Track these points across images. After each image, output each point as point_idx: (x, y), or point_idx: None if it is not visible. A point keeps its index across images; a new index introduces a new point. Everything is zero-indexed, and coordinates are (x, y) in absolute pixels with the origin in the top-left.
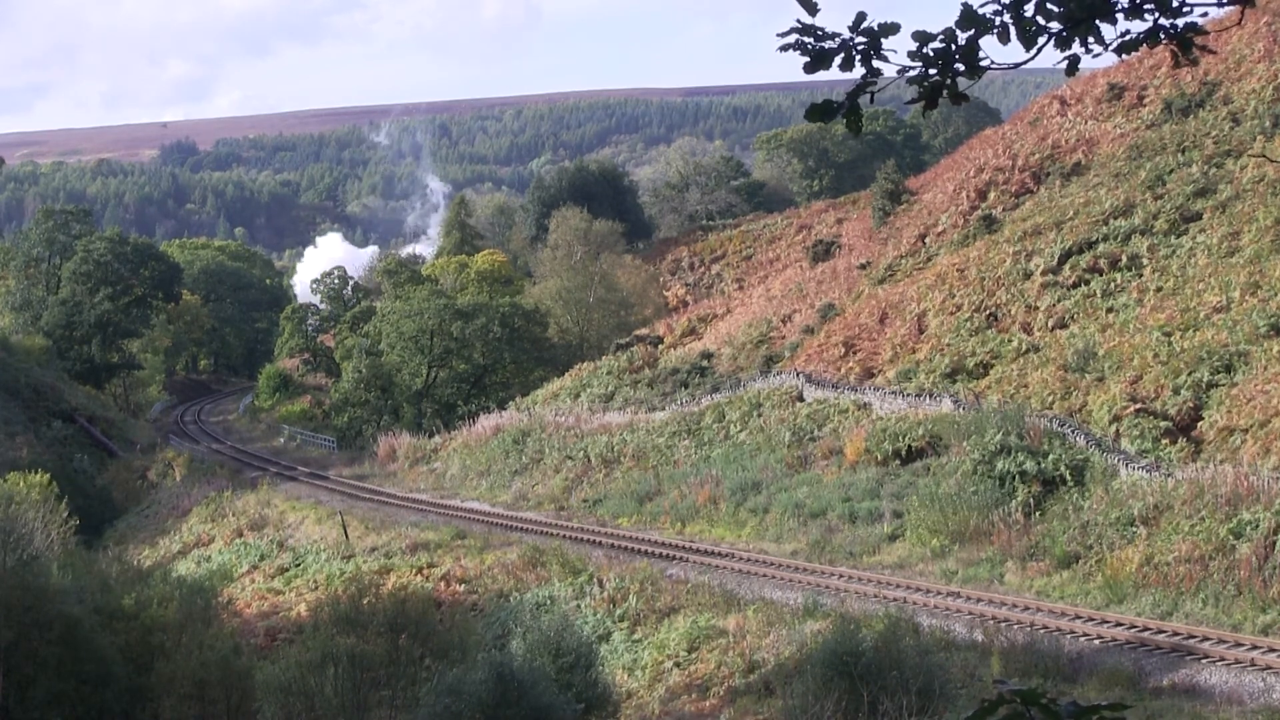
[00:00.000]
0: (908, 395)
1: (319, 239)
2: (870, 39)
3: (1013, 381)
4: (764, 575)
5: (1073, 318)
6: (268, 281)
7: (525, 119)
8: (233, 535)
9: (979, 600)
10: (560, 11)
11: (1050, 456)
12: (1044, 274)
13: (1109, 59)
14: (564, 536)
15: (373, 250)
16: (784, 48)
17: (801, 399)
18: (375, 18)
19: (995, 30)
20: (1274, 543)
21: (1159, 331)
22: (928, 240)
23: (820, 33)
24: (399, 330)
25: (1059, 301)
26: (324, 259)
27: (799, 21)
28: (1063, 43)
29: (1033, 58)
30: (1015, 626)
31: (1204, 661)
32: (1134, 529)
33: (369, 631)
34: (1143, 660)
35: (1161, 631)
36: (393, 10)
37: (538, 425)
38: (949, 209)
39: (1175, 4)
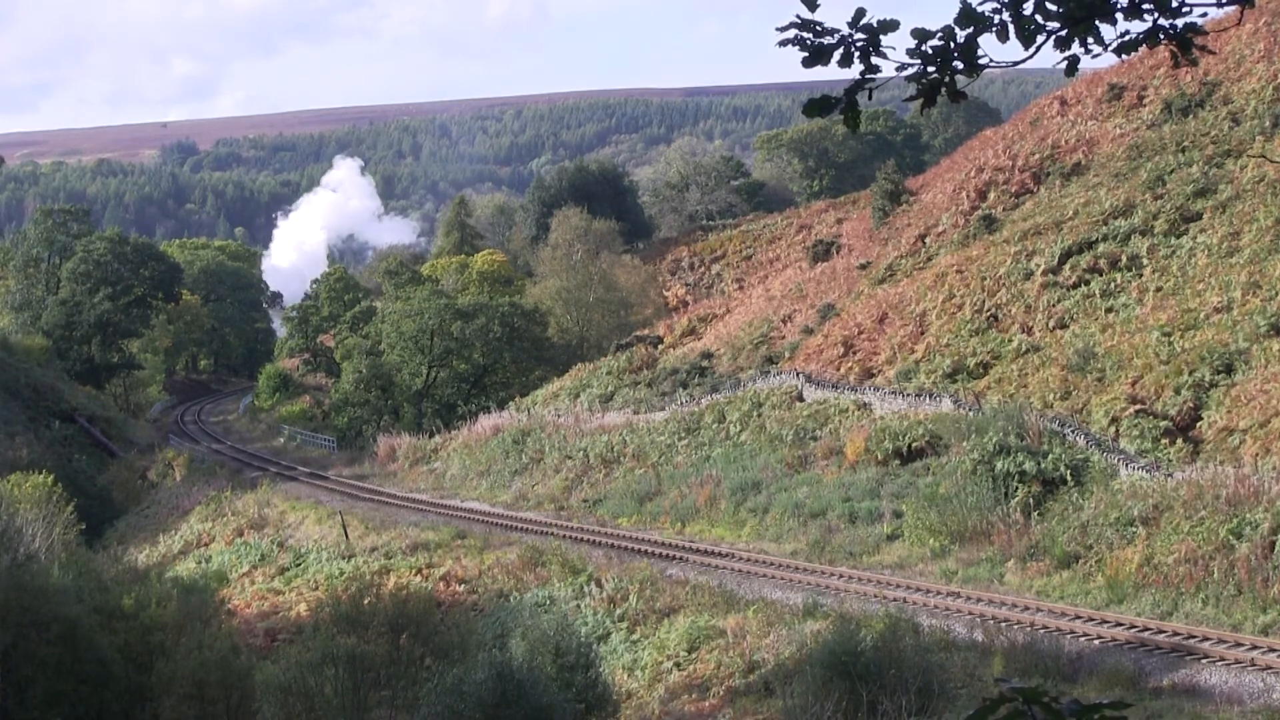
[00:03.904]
0: (908, 395)
1: (330, 171)
2: (869, 35)
3: (1013, 381)
4: (764, 575)
5: (1073, 318)
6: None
7: (525, 119)
8: (233, 535)
9: (979, 600)
10: (566, 9)
11: (1050, 456)
12: (1044, 274)
13: (1109, 59)
14: (564, 536)
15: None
16: (783, 42)
17: (801, 399)
18: (383, 15)
19: (994, 28)
20: (1274, 543)
21: (1159, 331)
22: (928, 240)
23: (819, 28)
24: (399, 330)
25: (1059, 301)
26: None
27: (799, 16)
28: (1062, 43)
29: (1031, 56)
30: (1015, 626)
31: (1204, 661)
32: (1134, 529)
33: (369, 631)
34: (1143, 660)
35: (1161, 631)
36: (401, 8)
37: (537, 425)
38: (949, 209)
39: (1175, 4)
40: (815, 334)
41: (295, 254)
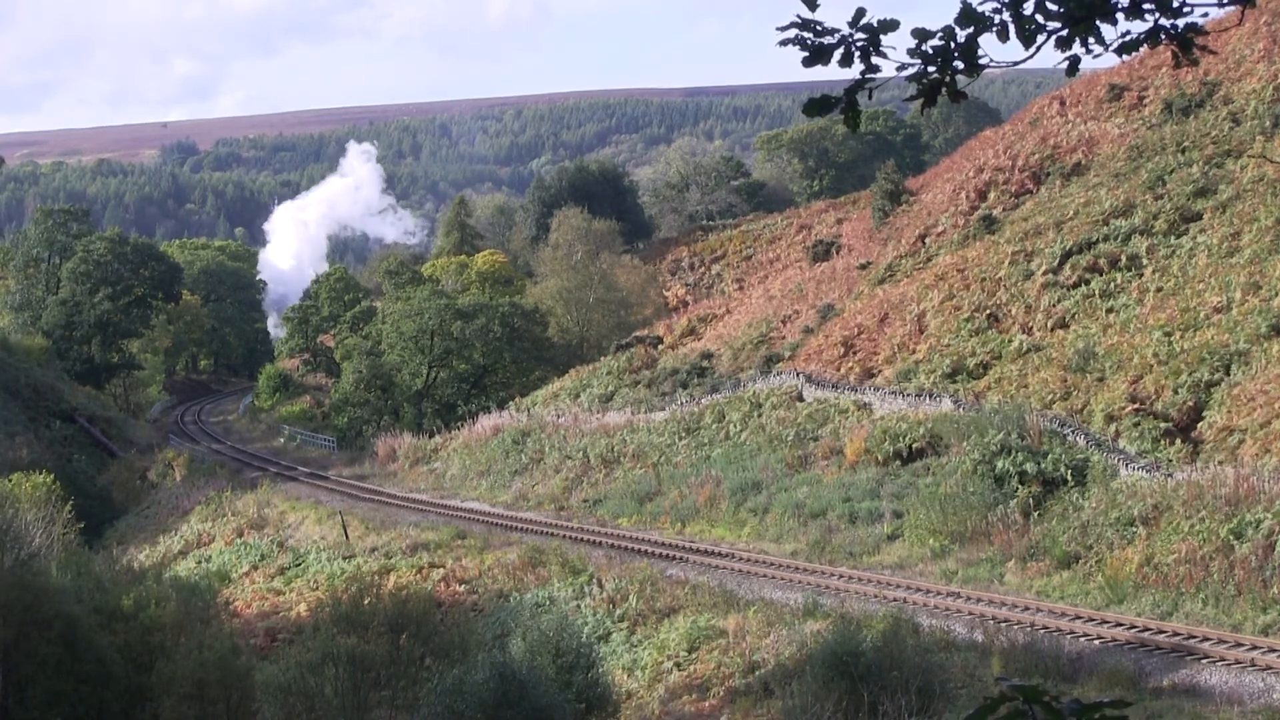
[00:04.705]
0: (908, 395)
1: (343, 159)
2: (869, 35)
3: (1013, 381)
4: (764, 575)
5: (1073, 318)
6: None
7: (525, 119)
8: (233, 535)
9: (979, 600)
10: (567, 9)
11: (1050, 456)
12: (1044, 274)
13: (1110, 59)
14: (564, 536)
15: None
16: (784, 42)
17: (801, 399)
18: (384, 15)
19: (994, 28)
20: (1274, 543)
21: (1159, 331)
22: (928, 240)
23: (820, 28)
24: (399, 330)
25: (1059, 301)
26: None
27: (799, 16)
28: (1063, 43)
29: (1032, 56)
30: (1015, 626)
31: (1204, 662)
32: (1134, 529)
33: (369, 631)
34: (1143, 660)
35: (1161, 632)
36: (402, 8)
37: (537, 425)
38: (949, 209)
39: (1175, 4)
40: (815, 334)
41: (295, 236)
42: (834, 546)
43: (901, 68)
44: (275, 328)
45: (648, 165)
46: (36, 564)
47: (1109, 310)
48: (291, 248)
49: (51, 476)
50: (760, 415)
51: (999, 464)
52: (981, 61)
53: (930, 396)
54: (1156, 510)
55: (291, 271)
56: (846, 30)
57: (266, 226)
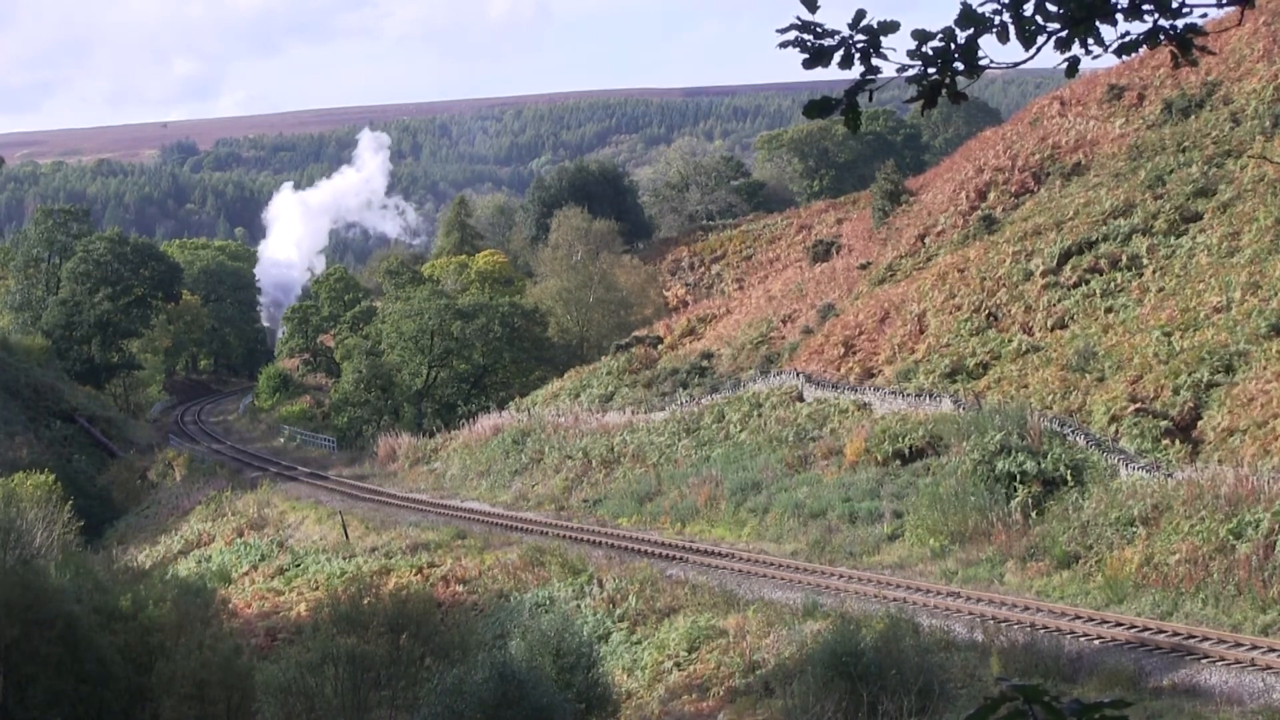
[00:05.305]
0: (908, 395)
1: (355, 153)
2: (869, 37)
3: (1013, 381)
4: (764, 575)
5: (1073, 318)
6: None
7: (525, 119)
8: (233, 535)
9: (979, 600)
10: (567, 9)
11: (1050, 456)
12: (1044, 274)
13: (1110, 59)
14: (564, 536)
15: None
16: (784, 44)
17: (801, 399)
18: (385, 14)
19: (994, 29)
20: (1274, 543)
21: (1159, 331)
22: (927, 240)
23: (820, 29)
24: (399, 330)
25: (1059, 301)
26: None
27: (799, 18)
28: (1062, 44)
29: (1032, 57)
30: (1015, 626)
31: (1204, 661)
32: (1134, 529)
33: (369, 631)
34: (1143, 660)
35: (1161, 631)
36: (403, 7)
37: (537, 425)
38: (949, 209)
39: (1175, 4)
40: (815, 334)
41: (298, 220)
42: (834, 546)
43: (902, 69)
44: (273, 312)
45: (648, 165)
46: (37, 564)
47: (1109, 310)
48: (294, 234)
49: (52, 476)
50: (760, 415)
51: (999, 464)
52: (981, 63)
53: (930, 396)
54: (1156, 510)
55: (293, 259)
56: (847, 32)
57: (266, 216)
